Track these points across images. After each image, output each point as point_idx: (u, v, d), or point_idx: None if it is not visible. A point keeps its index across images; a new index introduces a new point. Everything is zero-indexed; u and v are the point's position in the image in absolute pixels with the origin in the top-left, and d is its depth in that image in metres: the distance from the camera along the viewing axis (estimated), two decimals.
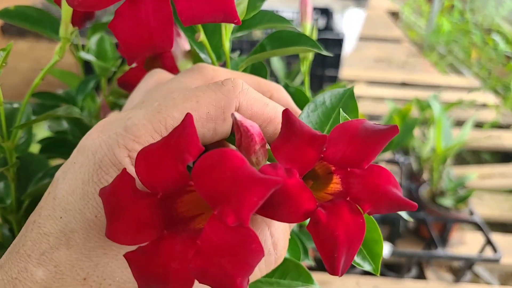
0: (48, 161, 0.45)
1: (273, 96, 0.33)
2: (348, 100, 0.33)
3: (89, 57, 0.47)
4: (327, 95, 0.32)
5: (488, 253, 1.08)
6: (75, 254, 0.22)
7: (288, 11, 1.63)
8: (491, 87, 1.93)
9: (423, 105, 1.21)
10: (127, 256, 0.20)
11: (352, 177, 0.24)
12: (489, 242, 1.08)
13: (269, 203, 0.20)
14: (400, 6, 3.22)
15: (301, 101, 0.40)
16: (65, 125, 0.49)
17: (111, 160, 0.24)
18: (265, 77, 0.41)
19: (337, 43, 1.51)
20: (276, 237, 0.26)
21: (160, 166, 0.20)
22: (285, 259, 0.34)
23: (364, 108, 1.75)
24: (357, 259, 0.30)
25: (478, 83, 2.04)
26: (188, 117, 0.20)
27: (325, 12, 1.67)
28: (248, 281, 0.19)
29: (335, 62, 1.53)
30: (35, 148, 0.45)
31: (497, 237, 1.19)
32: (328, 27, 1.64)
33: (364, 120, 0.24)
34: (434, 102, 1.11)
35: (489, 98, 1.90)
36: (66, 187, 0.24)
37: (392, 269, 1.14)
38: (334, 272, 0.22)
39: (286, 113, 0.23)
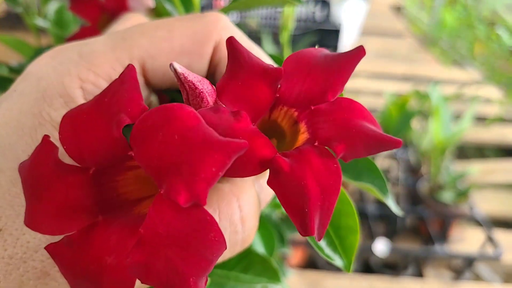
0: None
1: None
2: None
3: (45, 24, 0.42)
4: None
5: (489, 250, 1.03)
6: None
7: None
8: (495, 82, 1.87)
9: (423, 97, 1.16)
10: (49, 248, 0.15)
11: (317, 116, 0.19)
12: (489, 238, 1.03)
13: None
14: (403, 0, 3.17)
15: None
16: None
17: (58, 90, 0.20)
18: None
19: (334, 33, 1.48)
20: (245, 212, 0.21)
21: (90, 132, 0.15)
22: (251, 251, 0.30)
23: (364, 102, 1.71)
24: (326, 250, 0.24)
25: (481, 77, 1.99)
26: (129, 69, 0.16)
27: (325, 4, 1.63)
28: (207, 280, 0.15)
29: None
30: None
31: (500, 234, 1.14)
32: (327, 19, 1.60)
33: (323, 49, 0.19)
34: (432, 92, 1.06)
35: (493, 92, 1.85)
36: (0, 117, 0.20)
37: (388, 267, 1.10)
38: (307, 231, 0.16)
39: (231, 42, 0.18)
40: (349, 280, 1.02)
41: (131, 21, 0.29)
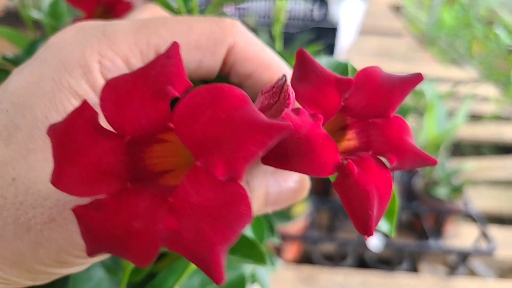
0: None
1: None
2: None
3: (39, 16, 0.43)
4: (323, 61, 0.30)
5: (483, 246, 1.04)
6: (13, 152, 0.20)
7: None
8: (493, 80, 1.88)
9: (418, 94, 1.17)
10: (76, 210, 0.16)
11: (373, 129, 0.21)
12: (483, 234, 1.04)
13: (294, 152, 0.17)
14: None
15: None
16: None
17: (78, 60, 0.21)
18: None
19: (331, 32, 1.49)
20: (256, 194, 0.23)
21: (135, 101, 0.16)
22: (241, 236, 0.31)
23: None
24: None
25: (478, 76, 2.00)
26: (174, 46, 0.16)
27: (322, 3, 1.63)
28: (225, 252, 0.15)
29: (330, 51, 1.50)
30: None
31: (494, 230, 1.15)
32: (324, 18, 1.61)
33: (380, 67, 0.21)
34: (427, 88, 1.07)
35: (490, 91, 1.86)
36: (21, 80, 0.21)
37: (383, 262, 1.10)
38: (368, 231, 0.18)
39: (302, 53, 0.19)
40: (343, 275, 1.03)
41: (149, 11, 0.30)
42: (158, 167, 0.18)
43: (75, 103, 0.21)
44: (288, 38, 1.44)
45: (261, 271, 0.43)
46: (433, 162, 0.20)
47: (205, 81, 0.26)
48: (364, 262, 1.11)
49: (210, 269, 0.14)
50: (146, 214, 0.15)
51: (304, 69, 0.20)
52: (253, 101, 0.25)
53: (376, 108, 0.21)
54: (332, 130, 0.23)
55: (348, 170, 0.18)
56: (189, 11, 0.35)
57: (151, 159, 0.18)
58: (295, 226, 1.02)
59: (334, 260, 1.08)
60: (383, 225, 0.27)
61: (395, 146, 0.20)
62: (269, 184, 0.23)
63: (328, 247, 1.12)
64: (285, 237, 1.01)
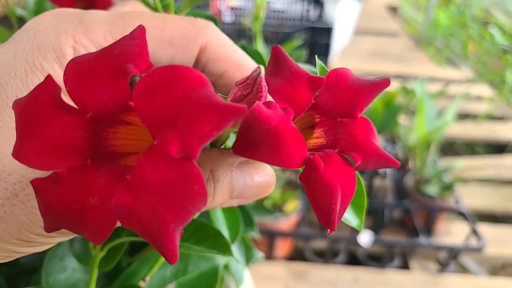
0: None
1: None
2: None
3: (24, 13, 0.44)
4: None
5: (473, 243, 1.05)
6: None
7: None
8: (487, 80, 1.89)
9: (409, 93, 1.18)
10: (34, 183, 0.16)
11: (340, 128, 0.22)
12: (474, 231, 1.05)
13: (263, 143, 0.18)
14: (398, 0, 3.18)
15: (257, 62, 0.38)
16: None
17: (53, 44, 0.22)
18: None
19: (326, 32, 1.50)
20: (220, 185, 0.23)
21: (97, 78, 0.16)
22: (206, 225, 0.31)
23: None
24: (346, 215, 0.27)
25: (473, 75, 2.01)
26: (140, 29, 0.17)
27: (318, 3, 1.64)
28: (181, 233, 0.15)
29: (325, 51, 1.51)
30: None
31: (486, 228, 1.16)
32: (320, 18, 1.62)
33: (350, 69, 0.22)
34: (417, 87, 1.08)
35: (484, 90, 1.87)
36: None
37: (375, 259, 1.11)
38: (330, 224, 0.19)
39: (278, 49, 0.20)
40: (335, 271, 1.04)
41: (129, 6, 0.31)
42: (121, 148, 0.19)
43: None
44: (284, 38, 1.45)
45: (235, 265, 0.43)
46: (395, 164, 0.21)
47: None
48: (355, 258, 1.12)
49: (163, 247, 0.14)
50: (103, 190, 0.16)
51: (278, 64, 0.20)
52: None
53: (344, 107, 0.21)
54: (301, 128, 0.23)
55: (314, 164, 0.19)
56: (165, 7, 0.36)
57: (114, 140, 0.18)
58: (287, 222, 1.03)
59: (326, 256, 1.09)
60: (353, 220, 0.28)
61: (360, 145, 0.21)
62: (235, 177, 0.23)
63: (320, 243, 1.13)
64: (277, 234, 1.02)
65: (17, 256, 0.21)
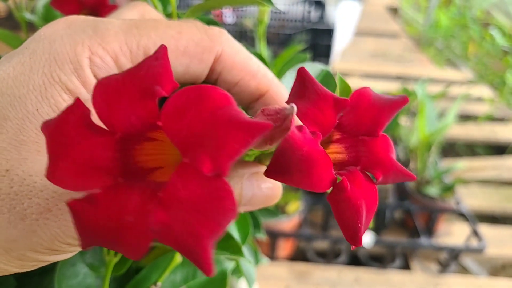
0: None
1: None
2: (328, 78, 0.32)
3: (33, 18, 0.45)
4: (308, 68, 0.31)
5: (474, 243, 1.06)
6: (4, 143, 0.20)
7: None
8: (488, 81, 1.90)
9: (410, 94, 1.19)
10: (71, 204, 0.16)
11: (362, 146, 0.22)
12: (474, 232, 1.06)
13: (296, 169, 0.18)
14: (399, 1, 3.19)
15: None
16: None
17: (70, 55, 0.21)
18: None
19: (327, 33, 1.50)
20: (243, 196, 0.24)
21: (125, 99, 0.17)
22: None
23: None
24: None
25: (474, 77, 2.02)
26: (162, 49, 0.17)
27: (319, 5, 1.65)
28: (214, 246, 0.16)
29: (326, 52, 1.51)
30: None
31: (486, 229, 1.17)
32: (321, 19, 1.63)
33: (371, 89, 0.23)
34: (419, 88, 1.09)
35: (485, 92, 1.87)
36: (10, 70, 0.21)
37: (376, 259, 1.12)
38: (356, 241, 0.20)
39: (304, 72, 0.21)
40: (337, 272, 1.05)
41: (137, 9, 0.30)
42: (148, 164, 0.19)
43: (66, 98, 0.21)
44: (285, 39, 1.46)
45: (246, 265, 0.44)
46: (412, 178, 0.22)
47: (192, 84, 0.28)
48: (357, 259, 1.12)
49: (200, 261, 0.15)
50: (137, 208, 0.16)
51: (305, 87, 0.21)
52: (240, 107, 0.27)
53: (366, 126, 0.22)
54: (322, 143, 0.24)
55: (342, 186, 0.20)
56: (168, 16, 0.36)
57: (141, 156, 0.19)
58: (289, 223, 1.04)
59: (327, 257, 1.09)
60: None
61: (381, 163, 0.22)
62: (244, 187, 0.23)
63: (321, 244, 1.13)
64: (279, 234, 1.02)
65: (43, 264, 0.21)
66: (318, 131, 0.20)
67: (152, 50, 0.23)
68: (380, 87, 1.85)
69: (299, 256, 1.13)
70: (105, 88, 0.17)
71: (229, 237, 0.33)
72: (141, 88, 0.17)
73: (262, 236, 0.48)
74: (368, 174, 0.22)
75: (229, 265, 0.38)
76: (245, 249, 0.44)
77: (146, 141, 0.19)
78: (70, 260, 0.32)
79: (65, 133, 0.16)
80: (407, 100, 0.22)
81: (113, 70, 0.23)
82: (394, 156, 0.22)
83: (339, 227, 0.21)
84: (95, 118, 0.17)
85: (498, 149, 1.65)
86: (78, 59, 0.21)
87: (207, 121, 0.15)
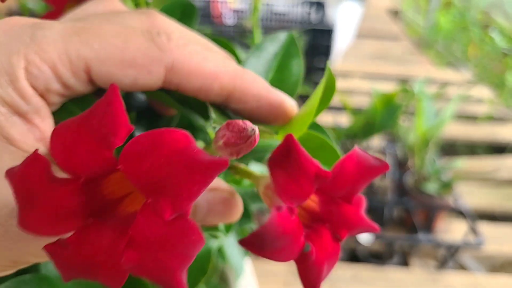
0: None
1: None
2: (290, 47, 0.32)
3: (35, 5, 0.46)
4: (267, 42, 0.32)
5: (472, 240, 1.06)
6: None
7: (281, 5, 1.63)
8: (488, 82, 1.90)
9: (409, 93, 1.20)
10: (47, 248, 0.17)
11: (335, 206, 0.23)
12: (472, 229, 1.06)
13: (271, 245, 0.19)
14: (400, 3, 3.21)
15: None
16: None
17: (5, 67, 0.20)
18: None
19: (327, 33, 1.52)
20: (198, 211, 0.25)
21: (82, 150, 0.17)
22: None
23: (357, 101, 1.74)
24: None
25: (474, 78, 2.02)
26: (113, 89, 0.17)
27: (319, 6, 1.67)
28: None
29: (326, 52, 1.53)
30: None
31: (485, 227, 1.17)
32: (321, 20, 1.64)
33: (357, 153, 0.22)
34: (416, 86, 1.10)
35: (485, 93, 1.88)
36: None
37: (374, 256, 1.13)
38: None
39: (290, 139, 0.20)
40: (335, 268, 1.05)
41: (105, 4, 0.29)
42: (116, 194, 0.19)
43: (4, 112, 0.21)
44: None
45: (235, 254, 0.44)
46: (375, 230, 0.23)
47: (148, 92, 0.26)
48: (355, 256, 1.13)
49: None
50: (109, 248, 0.17)
51: (288, 158, 0.20)
52: (207, 105, 0.27)
53: (342, 193, 0.23)
54: None
55: (309, 255, 0.21)
56: (137, 5, 0.34)
57: (108, 188, 0.19)
58: None
59: None
60: None
61: (351, 225, 0.23)
62: (198, 201, 0.24)
63: None
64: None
65: (36, 262, 0.21)
66: (295, 206, 0.20)
67: (94, 63, 0.22)
68: (381, 88, 1.86)
69: None
70: (61, 139, 0.17)
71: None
72: (96, 138, 0.17)
73: (253, 227, 0.47)
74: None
75: (214, 244, 0.38)
76: (231, 239, 0.44)
77: (111, 174, 0.19)
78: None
79: (29, 186, 0.17)
80: (387, 167, 0.22)
81: (51, 79, 0.22)
82: (363, 213, 0.23)
83: (301, 282, 0.22)
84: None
85: (497, 149, 1.65)
86: (14, 70, 0.20)
87: (163, 168, 0.16)
